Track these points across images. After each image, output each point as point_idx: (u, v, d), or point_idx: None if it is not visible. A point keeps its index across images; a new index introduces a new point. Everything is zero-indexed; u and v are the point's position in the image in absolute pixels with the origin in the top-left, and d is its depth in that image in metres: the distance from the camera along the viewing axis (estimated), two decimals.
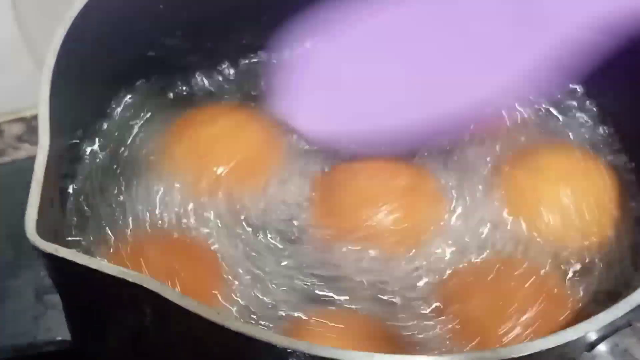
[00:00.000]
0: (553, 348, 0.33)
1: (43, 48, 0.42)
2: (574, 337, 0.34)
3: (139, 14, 0.48)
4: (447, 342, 0.42)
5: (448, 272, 0.46)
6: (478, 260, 0.46)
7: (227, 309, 0.43)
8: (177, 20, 0.50)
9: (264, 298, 0.45)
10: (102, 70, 0.48)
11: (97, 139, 0.50)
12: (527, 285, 0.44)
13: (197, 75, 0.54)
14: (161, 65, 0.52)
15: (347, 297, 0.45)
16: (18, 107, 0.65)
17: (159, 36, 0.51)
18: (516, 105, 0.52)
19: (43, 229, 0.35)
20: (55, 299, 0.42)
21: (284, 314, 0.44)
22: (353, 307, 0.44)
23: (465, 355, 0.34)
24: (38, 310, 0.46)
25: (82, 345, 0.43)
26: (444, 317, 0.44)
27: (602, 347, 0.35)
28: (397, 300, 0.45)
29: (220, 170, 0.48)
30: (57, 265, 0.34)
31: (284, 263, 0.46)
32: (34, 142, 0.38)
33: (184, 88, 0.54)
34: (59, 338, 0.44)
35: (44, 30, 0.43)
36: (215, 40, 0.53)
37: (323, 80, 0.49)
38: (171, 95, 0.53)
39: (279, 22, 0.50)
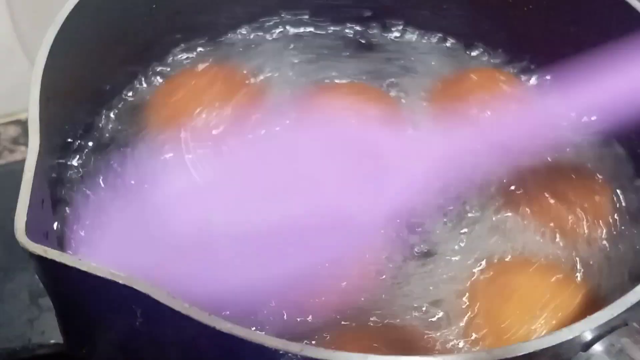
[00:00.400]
0: (547, 348, 0.33)
1: (38, 50, 0.42)
2: (569, 337, 0.33)
3: (131, 13, 0.47)
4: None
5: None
6: None
7: None
8: (169, 19, 0.50)
9: None
10: (95, 70, 0.48)
11: (90, 140, 0.50)
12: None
13: None
14: (153, 65, 0.52)
15: None
16: (14, 110, 0.66)
17: (151, 35, 0.51)
18: None
19: (33, 231, 0.34)
20: (50, 302, 0.42)
21: None
22: None
23: (460, 356, 0.33)
24: (32, 313, 0.46)
25: (74, 347, 0.42)
26: None
27: (597, 347, 0.35)
28: None
29: None
30: (47, 267, 0.34)
31: None
32: None
33: None
34: (52, 341, 0.44)
35: (39, 32, 0.43)
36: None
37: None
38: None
39: None
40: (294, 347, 0.32)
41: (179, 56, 0.54)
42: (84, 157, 0.49)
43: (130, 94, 0.52)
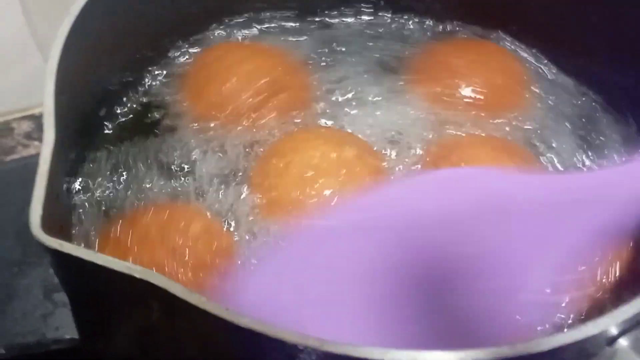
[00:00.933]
0: (573, 343, 0.32)
1: (51, 45, 0.41)
2: (595, 332, 0.33)
3: (143, 5, 0.47)
4: None
5: None
6: None
7: None
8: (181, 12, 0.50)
9: None
10: (109, 63, 0.47)
11: (105, 133, 0.50)
12: None
13: None
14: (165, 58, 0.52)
15: None
16: (28, 105, 0.65)
17: (163, 27, 0.50)
18: None
19: (48, 224, 0.34)
20: (64, 297, 0.42)
21: None
22: None
23: (483, 352, 0.33)
24: (47, 308, 0.46)
25: (89, 342, 0.42)
26: None
27: (623, 342, 0.34)
28: None
29: None
30: (62, 261, 0.34)
31: None
32: None
33: None
34: (67, 336, 0.43)
35: (52, 27, 0.43)
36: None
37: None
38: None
39: None
40: (313, 342, 0.32)
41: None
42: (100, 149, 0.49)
43: (144, 86, 0.52)
